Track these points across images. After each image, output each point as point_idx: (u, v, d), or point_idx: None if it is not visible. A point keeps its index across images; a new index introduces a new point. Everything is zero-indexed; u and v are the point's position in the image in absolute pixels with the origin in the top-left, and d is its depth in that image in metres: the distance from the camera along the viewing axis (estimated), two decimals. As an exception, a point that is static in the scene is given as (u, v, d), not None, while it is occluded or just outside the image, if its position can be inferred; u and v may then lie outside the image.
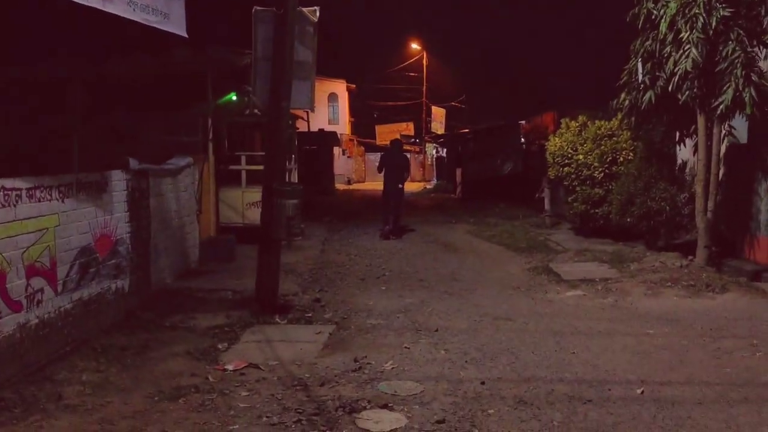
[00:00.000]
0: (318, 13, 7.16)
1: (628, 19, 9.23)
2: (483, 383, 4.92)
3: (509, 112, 33.57)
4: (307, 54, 7.20)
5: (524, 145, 23.92)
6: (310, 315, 7.05)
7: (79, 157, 8.43)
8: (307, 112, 35.05)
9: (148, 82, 9.24)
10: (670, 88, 8.44)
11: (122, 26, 7.33)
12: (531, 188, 20.21)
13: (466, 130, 31.79)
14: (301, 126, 33.25)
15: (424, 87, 44.48)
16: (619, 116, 12.44)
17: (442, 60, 46.15)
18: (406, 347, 5.85)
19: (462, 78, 44.66)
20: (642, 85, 9.08)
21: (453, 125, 41.25)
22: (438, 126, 42.34)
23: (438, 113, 43.04)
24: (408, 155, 37.70)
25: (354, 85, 45.11)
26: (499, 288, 8.58)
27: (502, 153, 24.35)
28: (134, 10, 5.36)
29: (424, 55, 44.17)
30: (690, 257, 9.13)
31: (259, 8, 7.14)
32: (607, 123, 12.60)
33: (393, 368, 5.29)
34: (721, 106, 8.22)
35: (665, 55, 8.63)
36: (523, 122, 25.62)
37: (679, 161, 10.64)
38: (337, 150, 38.18)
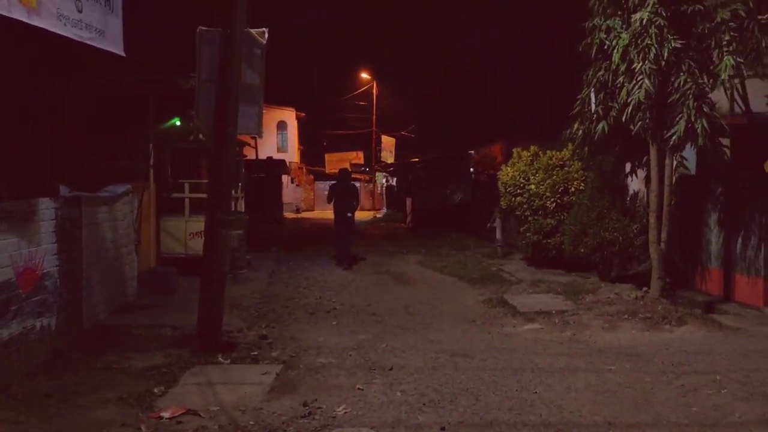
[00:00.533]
0: (267, 35, 6.85)
1: (580, 49, 9.20)
2: (443, 429, 4.58)
3: (458, 142, 33.73)
4: (254, 77, 6.86)
5: (473, 175, 23.99)
6: (255, 353, 6.60)
7: (9, 182, 7.89)
8: (255, 139, 34.61)
9: (86, 104, 8.72)
10: (623, 119, 8.39)
11: (56, 44, 6.91)
12: (481, 218, 20.15)
13: (416, 160, 31.80)
14: (249, 153, 32.74)
15: (374, 116, 44.50)
16: (570, 147, 12.50)
17: (392, 89, 46.31)
18: (359, 388, 5.46)
19: (412, 107, 44.79)
20: (595, 115, 9.03)
21: (403, 154, 41.31)
22: (388, 155, 42.36)
23: (388, 142, 43.08)
24: (357, 184, 37.58)
25: (303, 114, 44.84)
26: (454, 322, 8.29)
27: (452, 183, 24.35)
28: (65, 24, 4.96)
29: (374, 85, 44.27)
30: (645, 289, 9.02)
31: (204, 28, 6.79)
32: (558, 153, 12.59)
33: (346, 413, 4.89)
34: (673, 137, 8.20)
35: (618, 85, 8.60)
36: (472, 152, 25.76)
37: (631, 192, 10.63)
38: (285, 178, 37.71)
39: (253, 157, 32.88)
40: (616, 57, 8.45)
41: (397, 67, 64.70)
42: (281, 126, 43.73)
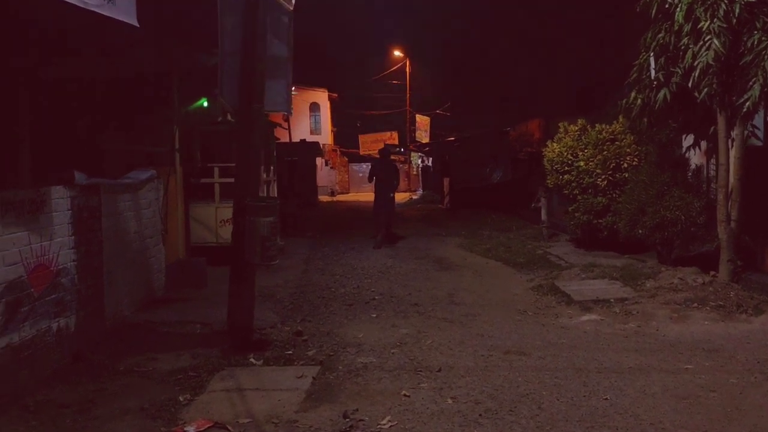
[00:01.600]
0: (294, 0, 6.21)
1: (638, 9, 8.36)
2: (505, 446, 3.96)
3: (494, 119, 32.81)
4: (282, 48, 6.24)
5: (512, 153, 23.16)
6: (290, 352, 6.04)
7: (31, 170, 7.44)
8: (288, 121, 34.22)
9: (105, 86, 8.22)
10: (690, 84, 7.56)
11: (69, 22, 6.35)
12: (521, 197, 19.38)
13: (453, 139, 31.00)
14: (282, 136, 32.31)
15: (408, 95, 43.65)
16: (621, 119, 11.68)
17: (425, 67, 45.43)
18: (405, 395, 4.86)
19: (446, 85, 43.84)
20: (655, 82, 8.21)
21: (438, 134, 40.45)
22: (423, 135, 41.55)
23: (422, 122, 42.24)
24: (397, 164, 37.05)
25: (336, 94, 44.24)
26: (503, 312, 7.63)
27: (491, 161, 23.57)
28: (66, -11, 4.38)
29: (407, 63, 43.37)
30: (712, 273, 8.24)
31: (226, -5, 6.17)
32: (608, 126, 11.75)
33: (392, 426, 4.30)
34: (747, 103, 7.35)
35: (682, 47, 7.76)
36: (509, 129, 24.89)
37: (693, 166, 9.77)
38: (319, 161, 37.20)
39: (286, 140, 32.50)
40: (679, 16, 7.61)
41: (431, 44, 63.48)
42: (314, 107, 43.19)
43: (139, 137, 8.58)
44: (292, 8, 6.22)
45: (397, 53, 43.99)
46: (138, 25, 5.21)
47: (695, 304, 7.29)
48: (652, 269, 9.13)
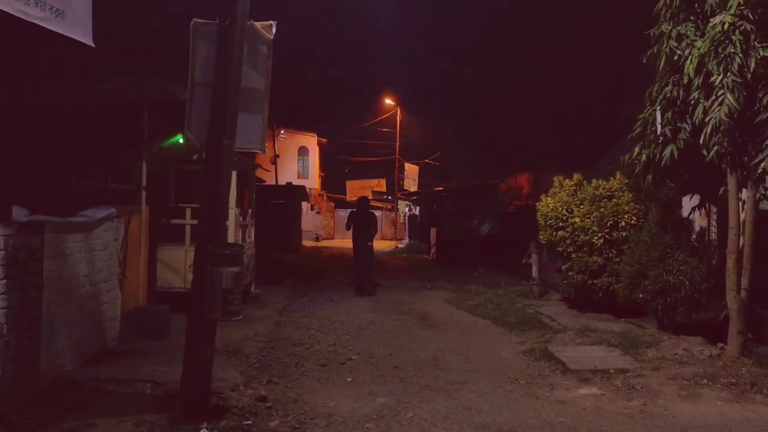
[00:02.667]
0: (274, 29, 5.63)
1: (644, 61, 7.91)
2: None
3: (483, 171, 32.51)
4: (258, 80, 5.63)
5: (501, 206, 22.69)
6: (249, 422, 5.27)
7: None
8: (276, 164, 33.81)
9: (69, 117, 7.57)
10: (701, 141, 7.02)
11: (29, 43, 5.77)
12: (509, 251, 18.81)
13: (441, 189, 30.54)
14: (268, 178, 31.76)
15: (398, 143, 43.42)
16: (618, 176, 11.19)
17: (416, 116, 45.32)
18: (378, 487, 4.10)
19: (436, 135, 43.68)
20: (661, 138, 7.69)
21: (426, 183, 40.11)
22: (411, 183, 41.19)
23: (411, 170, 41.93)
24: (378, 213, 36.59)
25: (325, 139, 43.94)
26: (493, 380, 6.89)
27: (480, 213, 23.01)
28: (2, -4, 3.75)
29: (398, 111, 43.27)
30: (720, 345, 7.60)
31: (199, 21, 5.58)
32: (605, 182, 11.23)
33: None
34: (762, 164, 6.82)
35: (691, 102, 7.26)
36: (498, 182, 24.49)
37: (697, 228, 9.20)
38: (305, 205, 36.65)
39: (273, 183, 31.94)
40: (690, 69, 7.13)
41: (422, 94, 63.85)
42: (302, 151, 42.82)
43: (103, 173, 7.88)
44: (271, 37, 5.64)
45: (388, 101, 43.93)
46: (93, 45, 4.59)
47: (705, 381, 6.59)
48: (653, 337, 8.47)
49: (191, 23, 5.59)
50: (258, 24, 5.59)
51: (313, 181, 42.40)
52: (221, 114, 5.39)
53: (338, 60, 63.90)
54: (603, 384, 6.70)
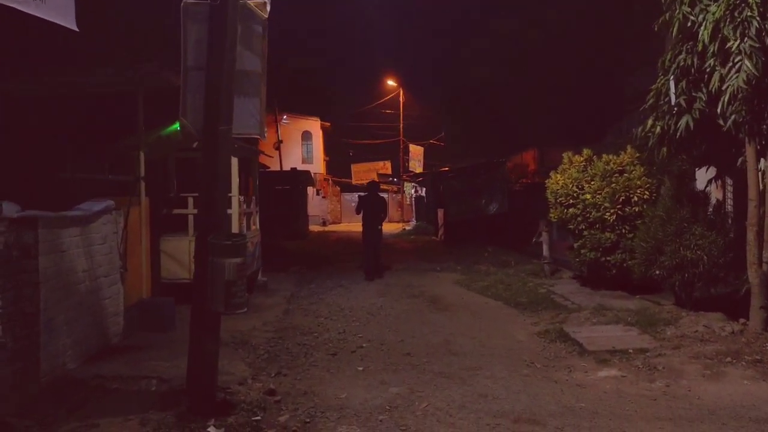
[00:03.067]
0: (269, 7, 5.36)
1: (656, 28, 7.61)
2: None
3: (489, 150, 32.11)
4: (254, 61, 5.37)
5: (509, 185, 22.43)
6: (258, 418, 5.08)
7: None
8: (279, 149, 33.53)
9: (62, 108, 7.34)
10: (719, 110, 6.73)
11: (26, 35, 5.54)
12: (518, 230, 18.59)
13: (447, 169, 30.27)
14: (273, 164, 31.53)
15: (401, 124, 43.07)
16: (629, 149, 10.90)
17: (419, 96, 44.90)
18: (394, 484, 3.90)
19: (440, 115, 43.24)
20: (676, 108, 7.39)
21: (432, 164, 39.79)
22: (416, 164, 40.88)
23: (416, 151, 41.61)
24: (385, 195, 36.48)
25: (329, 123, 43.64)
26: (508, 364, 6.68)
27: (487, 193, 22.76)
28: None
29: (401, 92, 42.86)
30: (741, 320, 7.36)
31: (189, 1, 5.32)
32: (616, 157, 10.94)
33: None
34: (782, 132, 6.54)
35: (707, 70, 6.96)
36: (504, 160, 24.20)
37: (714, 201, 8.92)
38: (311, 190, 36.45)
39: (277, 169, 31.73)
40: (704, 35, 6.83)
41: (424, 74, 63.29)
42: (306, 136, 42.54)
43: (100, 164, 7.67)
44: (266, 16, 5.37)
45: (390, 83, 43.53)
46: (77, 29, 4.34)
47: (728, 359, 6.37)
48: (671, 314, 8.24)
49: (182, 3, 5.34)
50: (251, 2, 5.32)
51: (317, 166, 42.16)
52: (216, 98, 5.14)
53: (338, 41, 63.32)
54: (623, 365, 6.48)
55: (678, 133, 7.34)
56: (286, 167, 32.55)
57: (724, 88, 6.65)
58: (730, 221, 8.70)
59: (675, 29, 7.23)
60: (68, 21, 4.28)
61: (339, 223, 41.02)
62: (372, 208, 13.89)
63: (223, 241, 5.04)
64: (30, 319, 5.21)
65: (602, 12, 21.06)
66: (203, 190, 5.36)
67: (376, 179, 40.00)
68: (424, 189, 37.16)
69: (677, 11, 7.19)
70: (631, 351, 6.89)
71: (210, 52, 5.22)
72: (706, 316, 7.81)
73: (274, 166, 31.56)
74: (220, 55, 5.13)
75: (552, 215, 11.57)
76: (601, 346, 7.17)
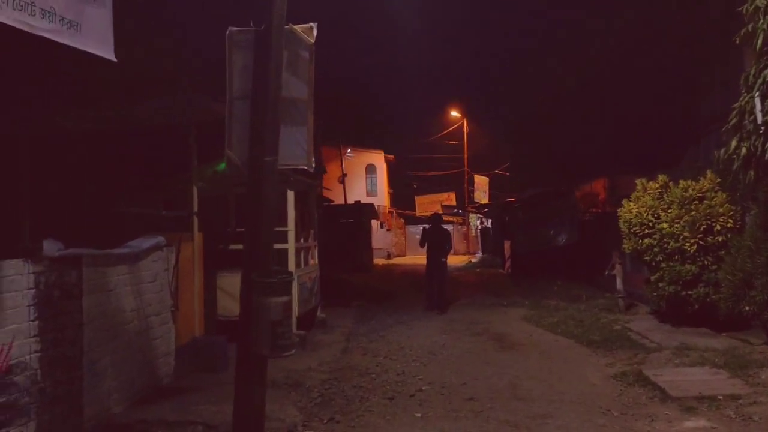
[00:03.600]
0: (315, 32, 5.11)
1: (737, 41, 7.01)
2: None
3: (555, 178, 31.22)
4: (301, 88, 5.12)
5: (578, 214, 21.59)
6: (306, 471, 4.70)
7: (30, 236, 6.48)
8: (344, 182, 33.60)
9: (117, 143, 7.30)
10: (815, 128, 6.07)
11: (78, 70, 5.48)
12: (589, 262, 17.76)
13: (513, 199, 29.52)
14: (337, 198, 31.57)
15: (465, 155, 42.56)
16: (709, 174, 10.15)
17: (483, 126, 44.35)
18: None
19: (505, 144, 42.53)
20: (763, 128, 6.73)
21: (497, 194, 39.00)
22: (481, 195, 40.18)
23: (481, 182, 40.94)
24: (449, 227, 35.93)
25: (392, 156, 43.57)
26: (581, 412, 6.08)
27: (555, 223, 21.92)
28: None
29: (464, 122, 42.48)
30: None
31: (235, 29, 5.14)
32: (695, 183, 10.19)
33: None
34: None
35: (798, 84, 6.31)
36: (572, 189, 23.36)
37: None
38: (375, 223, 36.29)
39: (341, 202, 31.75)
40: (793, 46, 6.20)
41: (489, 103, 62.79)
42: (370, 169, 42.56)
43: (154, 200, 7.57)
44: (313, 41, 5.13)
45: (453, 113, 43.22)
46: (115, 59, 4.17)
47: (837, 409, 5.61)
48: (764, 355, 7.47)
49: (227, 32, 5.16)
50: (298, 27, 5.09)
51: (381, 199, 42.04)
52: (261, 128, 4.90)
53: (402, 73, 63.67)
54: (712, 414, 5.79)
55: (767, 155, 6.66)
56: (351, 200, 32.53)
57: (818, 103, 5.99)
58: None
59: (759, 41, 6.60)
60: (106, 51, 4.12)
61: (404, 256, 40.61)
62: (436, 240, 13.78)
63: (268, 279, 4.74)
64: (72, 362, 5.01)
65: (674, 31, 20.18)
66: (248, 225, 5.10)
67: (440, 211, 39.51)
68: (489, 220, 36.41)
69: (761, 22, 6.57)
70: (720, 397, 6.18)
71: (255, 80, 5.00)
72: (805, 358, 7.01)
73: (339, 200, 31.58)
74: (265, 83, 4.90)
75: (625, 246, 10.85)
76: (686, 391, 6.47)
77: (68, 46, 3.94)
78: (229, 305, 9.26)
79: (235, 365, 5.11)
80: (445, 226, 15.07)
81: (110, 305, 5.64)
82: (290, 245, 9.35)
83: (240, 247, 9.46)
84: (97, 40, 4.03)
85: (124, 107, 6.62)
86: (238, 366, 5.02)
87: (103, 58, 4.25)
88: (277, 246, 8.76)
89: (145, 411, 5.92)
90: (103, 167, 7.13)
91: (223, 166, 9.07)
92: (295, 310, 9.07)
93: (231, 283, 9.25)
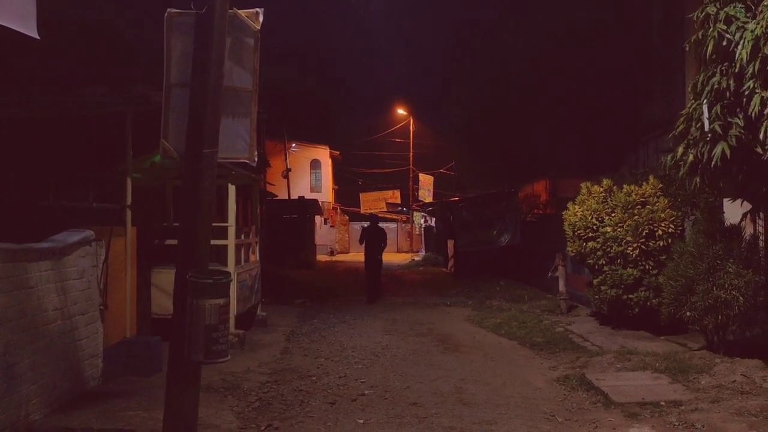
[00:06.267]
0: (261, 18, 4.81)
1: (687, 48, 7.04)
2: None
3: (499, 179, 31.50)
4: (244, 78, 4.81)
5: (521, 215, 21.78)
6: (241, 484, 4.42)
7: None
8: (287, 177, 33.09)
9: (41, 130, 6.81)
10: (761, 136, 6.09)
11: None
12: (531, 262, 17.93)
13: (457, 198, 29.63)
14: (280, 193, 31.06)
15: (411, 153, 42.62)
16: (652, 180, 10.28)
17: (429, 125, 44.47)
18: None
19: (450, 144, 42.74)
20: (710, 135, 6.76)
21: (442, 193, 39.18)
22: (426, 194, 40.27)
23: (426, 180, 41.04)
24: (392, 225, 36.10)
25: (338, 152, 43.28)
26: (527, 418, 5.98)
27: (498, 223, 22.06)
28: None
29: (411, 121, 42.49)
30: (785, 369, 6.64)
31: (174, 11, 4.79)
32: (638, 188, 10.29)
33: None
34: (831, 162, 5.89)
35: (745, 93, 6.34)
36: (515, 190, 23.57)
37: (747, 235, 8.22)
38: (319, 219, 35.93)
39: (285, 197, 31.24)
40: (743, 54, 6.22)
41: (434, 103, 63.11)
42: (315, 164, 42.18)
43: (85, 192, 7.11)
44: (258, 27, 4.82)
45: (400, 111, 43.19)
46: (38, 37, 3.79)
47: (776, 416, 5.65)
48: (704, 360, 7.52)
49: (166, 14, 4.81)
50: (243, 12, 4.79)
51: (326, 195, 41.70)
52: (200, 119, 4.58)
53: (349, 69, 63.34)
54: (655, 421, 5.77)
55: (713, 162, 6.69)
56: (294, 196, 32.04)
57: (766, 112, 6.03)
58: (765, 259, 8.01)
59: (710, 48, 6.62)
60: (27, 27, 3.73)
61: (347, 252, 40.35)
62: (373, 238, 15.48)
63: (204, 279, 4.43)
64: (-16, 366, 4.59)
65: (616, 36, 20.52)
66: (184, 220, 4.79)
67: (385, 208, 39.38)
68: (433, 219, 36.52)
69: (711, 29, 6.60)
70: (663, 404, 6.18)
71: (195, 67, 4.67)
72: (743, 363, 7.08)
73: (282, 195, 31.08)
74: (205, 71, 4.58)
75: (570, 249, 10.91)
76: (628, 396, 6.46)
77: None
78: (165, 303, 8.81)
79: (166, 376, 4.79)
80: (381, 225, 16.83)
81: (30, 304, 5.21)
82: (230, 241, 8.99)
83: (176, 242, 9.10)
84: (14, 14, 3.65)
85: (54, 93, 6.16)
86: (170, 370, 4.69)
87: (30, 38, 3.87)
88: (216, 242, 8.41)
89: (68, 417, 5.50)
90: (29, 157, 6.64)
91: (159, 157, 8.67)
92: (234, 308, 8.71)
93: (166, 279, 8.81)
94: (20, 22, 3.66)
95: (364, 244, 15.64)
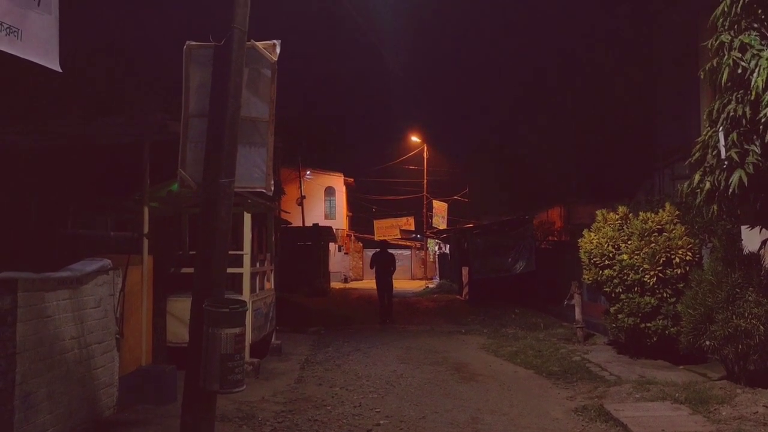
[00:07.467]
0: (278, 50, 4.89)
1: (702, 76, 7.04)
2: None
3: (514, 206, 31.48)
4: (261, 108, 4.88)
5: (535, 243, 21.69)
6: None
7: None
8: (302, 205, 33.23)
9: (60, 159, 6.90)
10: (778, 164, 6.07)
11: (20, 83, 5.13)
12: (546, 290, 17.82)
13: (471, 225, 29.58)
14: (294, 220, 31.17)
15: (425, 180, 42.69)
16: (668, 207, 10.23)
17: (443, 152, 44.65)
18: None
19: (464, 171, 42.85)
20: (726, 163, 6.73)
21: (456, 220, 39.15)
22: (440, 221, 40.22)
23: (440, 207, 41.01)
24: (405, 252, 36.23)
25: (352, 179, 43.43)
26: (544, 450, 5.89)
27: (513, 251, 21.97)
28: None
29: (425, 148, 42.65)
30: (809, 401, 6.51)
31: (193, 43, 4.89)
32: (654, 215, 10.23)
33: None
34: None
35: (761, 120, 6.32)
36: (529, 217, 23.49)
37: (766, 263, 8.13)
38: (333, 246, 35.97)
39: (299, 224, 31.34)
40: (758, 82, 6.22)
41: (449, 130, 63.39)
42: (329, 192, 42.30)
43: (104, 221, 7.18)
44: (275, 59, 4.90)
45: (414, 138, 43.38)
46: (60, 70, 3.87)
47: (801, 449, 5.53)
48: (724, 390, 7.39)
49: (185, 46, 4.91)
50: (260, 44, 4.87)
51: (340, 222, 41.76)
52: (218, 148, 4.64)
53: (364, 97, 63.87)
54: (676, 454, 5.67)
55: (730, 190, 6.65)
56: (309, 223, 32.15)
57: (782, 139, 6.02)
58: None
59: (724, 76, 6.63)
60: (50, 61, 3.81)
61: (361, 279, 40.30)
62: (383, 263, 16.87)
63: (220, 308, 4.45)
64: (3, 395, 4.61)
65: (631, 63, 20.60)
66: (200, 249, 4.81)
67: (399, 235, 39.36)
68: (448, 246, 36.43)
69: (726, 57, 6.61)
70: (684, 436, 6.08)
71: (213, 97, 4.75)
72: (765, 394, 6.96)
73: (297, 222, 31.21)
74: (223, 101, 4.65)
75: (586, 277, 10.81)
76: (648, 428, 6.35)
77: (11, 55, 3.65)
78: (180, 331, 8.84)
79: (181, 404, 4.79)
80: (390, 251, 17.88)
81: (48, 333, 5.24)
82: (245, 270, 9.01)
83: (191, 270, 9.14)
84: (39, 49, 3.73)
85: (75, 123, 6.26)
86: (185, 400, 4.71)
87: (53, 71, 3.95)
88: (232, 270, 8.43)
89: (82, 447, 5.51)
90: (48, 186, 6.73)
91: (176, 186, 8.75)
92: (249, 336, 8.71)
93: (182, 308, 8.84)
94: (44, 56, 3.74)
95: (374, 269, 17.11)
